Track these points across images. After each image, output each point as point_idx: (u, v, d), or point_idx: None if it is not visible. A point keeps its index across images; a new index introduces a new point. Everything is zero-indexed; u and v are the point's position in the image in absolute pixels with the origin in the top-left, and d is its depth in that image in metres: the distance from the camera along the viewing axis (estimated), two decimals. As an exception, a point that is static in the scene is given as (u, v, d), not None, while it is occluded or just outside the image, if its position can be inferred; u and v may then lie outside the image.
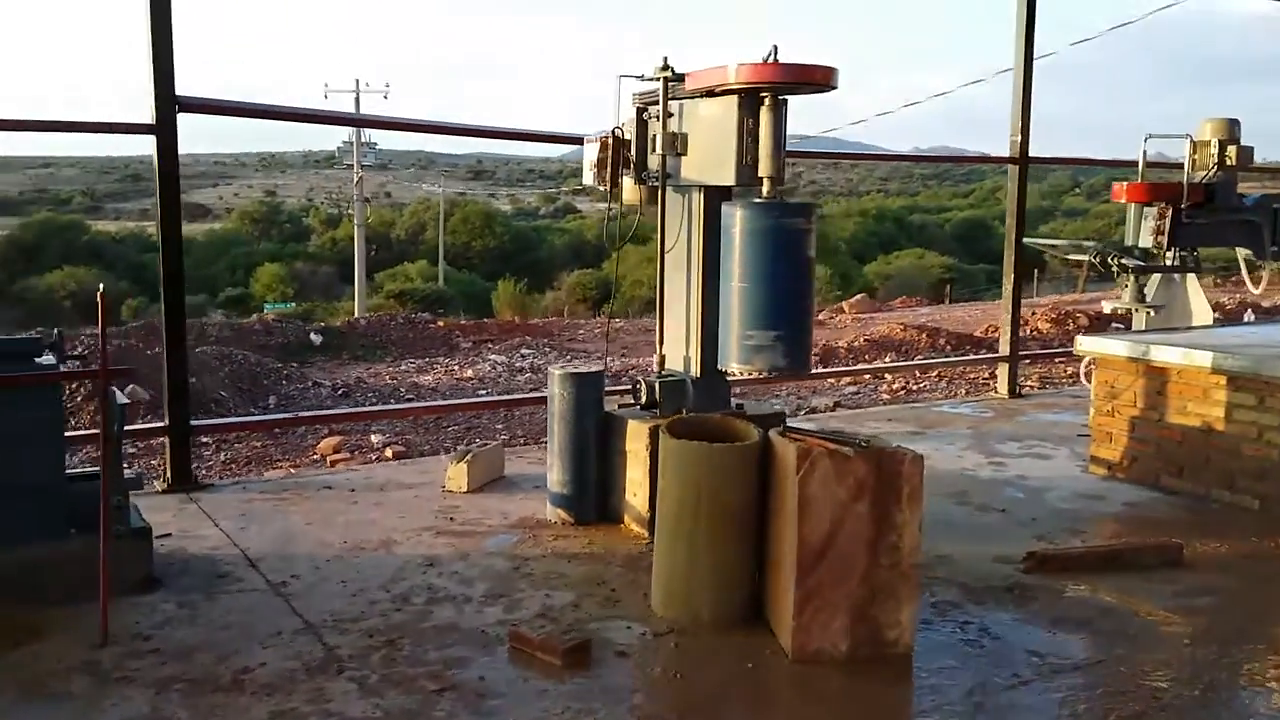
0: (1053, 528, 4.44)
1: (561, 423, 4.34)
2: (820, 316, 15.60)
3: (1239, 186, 5.87)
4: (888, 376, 9.00)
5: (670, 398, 4.28)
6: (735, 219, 3.97)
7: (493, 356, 10.18)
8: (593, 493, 4.33)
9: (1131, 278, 5.45)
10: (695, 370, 4.35)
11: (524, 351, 10.55)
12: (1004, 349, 7.12)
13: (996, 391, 7.25)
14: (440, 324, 13.63)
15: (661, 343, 4.45)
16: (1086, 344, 5.29)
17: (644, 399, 4.31)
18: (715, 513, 3.35)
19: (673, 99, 4.25)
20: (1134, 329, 6.15)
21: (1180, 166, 5.71)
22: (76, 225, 52.20)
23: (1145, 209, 5.36)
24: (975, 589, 3.74)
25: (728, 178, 4.05)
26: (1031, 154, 6.90)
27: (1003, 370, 7.17)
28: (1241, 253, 5.88)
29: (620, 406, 4.38)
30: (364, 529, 4.17)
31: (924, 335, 10.82)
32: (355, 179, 32.38)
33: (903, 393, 8.42)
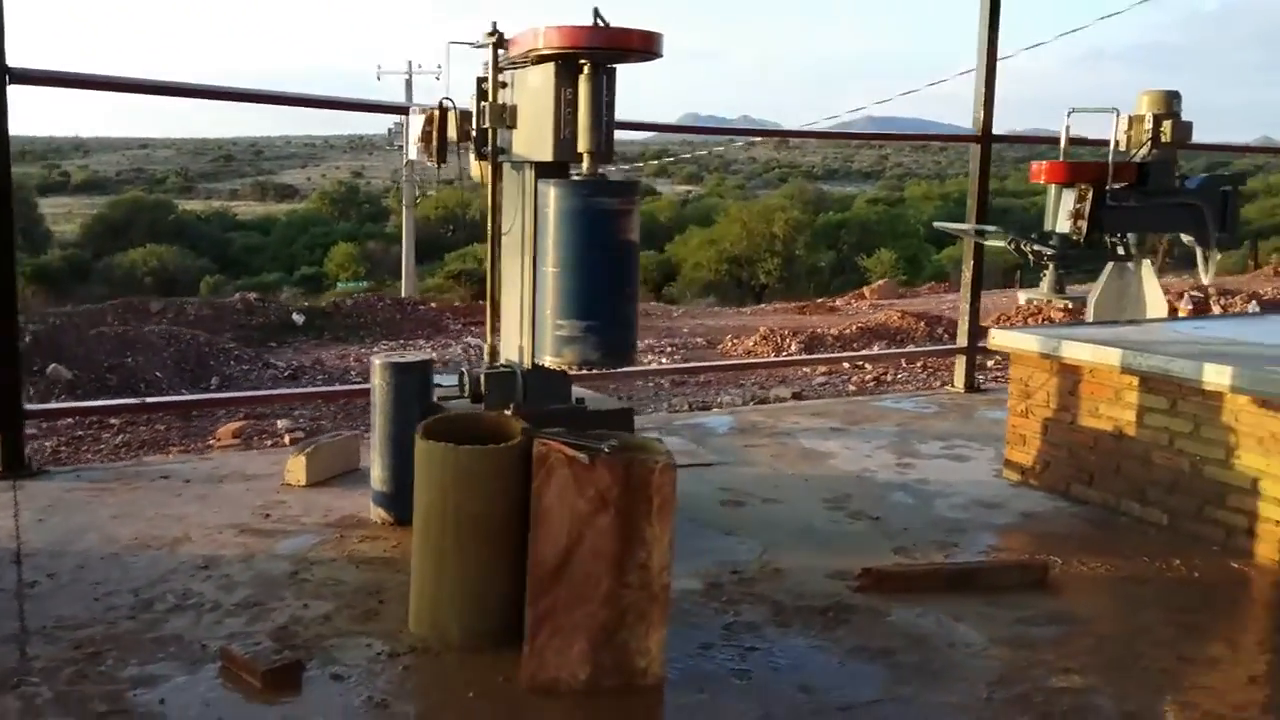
0: (922, 540, 4.01)
1: (382, 415, 4.06)
2: (837, 302, 15.07)
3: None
4: (868, 366, 8.52)
5: (497, 391, 3.97)
6: (549, 198, 3.63)
7: (471, 339, 9.95)
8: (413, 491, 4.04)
9: (1050, 266, 4.93)
10: (528, 361, 4.03)
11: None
12: (960, 340, 6.63)
13: (953, 385, 6.75)
14: (433, 305, 13.46)
15: (493, 331, 4.14)
16: (1000, 338, 4.81)
17: (469, 392, 4.01)
18: (464, 523, 3.04)
19: (508, 67, 3.92)
20: (1089, 320, 5.62)
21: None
22: (164, 204, 53.69)
23: (1064, 191, 4.83)
24: (788, 609, 3.37)
25: (546, 152, 3.72)
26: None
27: (959, 363, 6.67)
28: (1186, 239, 5.30)
29: (440, 399, 4.08)
30: (166, 524, 3.96)
31: (921, 324, 10.27)
32: (404, 160, 32.47)
33: (872, 383, 7.95)
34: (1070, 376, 4.55)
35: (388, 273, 41.92)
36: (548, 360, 3.70)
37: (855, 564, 3.66)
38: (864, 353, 8.68)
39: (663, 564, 2.84)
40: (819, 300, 15.57)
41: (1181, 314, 8.57)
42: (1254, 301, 11.18)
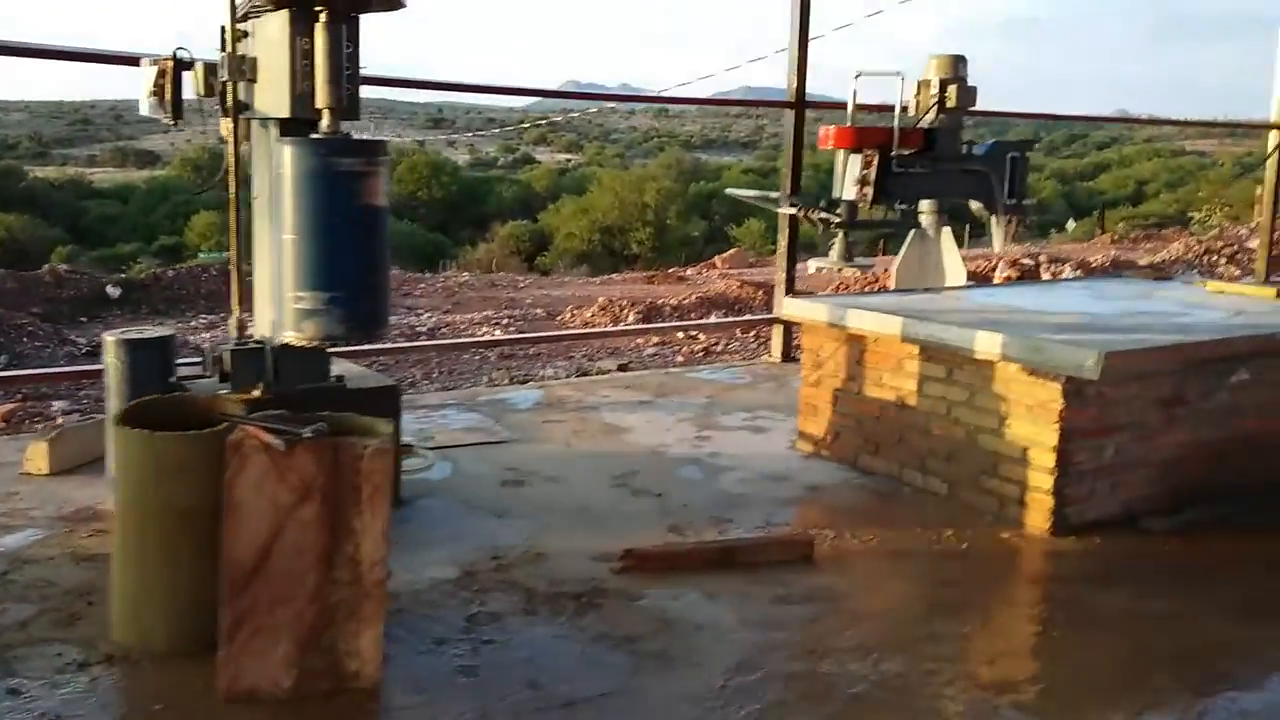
0: (700, 516, 3.90)
1: (117, 398, 3.72)
2: (687, 272, 15.04)
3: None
4: (701, 337, 8.44)
5: (244, 370, 3.68)
6: (284, 159, 3.35)
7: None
8: (156, 479, 3.73)
9: (839, 234, 4.88)
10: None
11: (335, 307, 9.92)
12: (777, 309, 6.57)
13: (770, 355, 6.71)
14: None
15: (240, 304, 3.84)
16: (791, 307, 4.74)
17: (214, 371, 3.72)
18: (166, 516, 2.77)
19: (251, 14, 3.60)
20: (893, 288, 5.61)
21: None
22: (13, 170, 50.57)
23: (851, 156, 4.77)
24: (540, 596, 3.21)
25: (284, 108, 3.43)
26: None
27: (776, 333, 6.63)
28: (974, 206, 5.33)
29: (181, 380, 3.77)
30: None
31: (760, 293, 10.27)
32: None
33: (702, 354, 7.87)
34: (857, 346, 4.50)
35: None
36: (289, 336, 3.44)
37: (626, 544, 3.52)
38: (674, 324, 8.56)
39: (375, 557, 2.64)
40: (669, 270, 15.51)
41: (997, 281, 8.74)
42: (1068, 268, 11.49)
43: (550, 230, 41.63)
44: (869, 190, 4.66)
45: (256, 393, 3.62)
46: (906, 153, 4.89)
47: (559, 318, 9.93)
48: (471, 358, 7.65)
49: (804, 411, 4.79)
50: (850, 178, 4.75)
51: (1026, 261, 11.85)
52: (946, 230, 5.45)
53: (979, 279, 10.94)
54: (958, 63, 5.02)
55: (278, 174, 3.37)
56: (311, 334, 3.39)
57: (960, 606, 3.26)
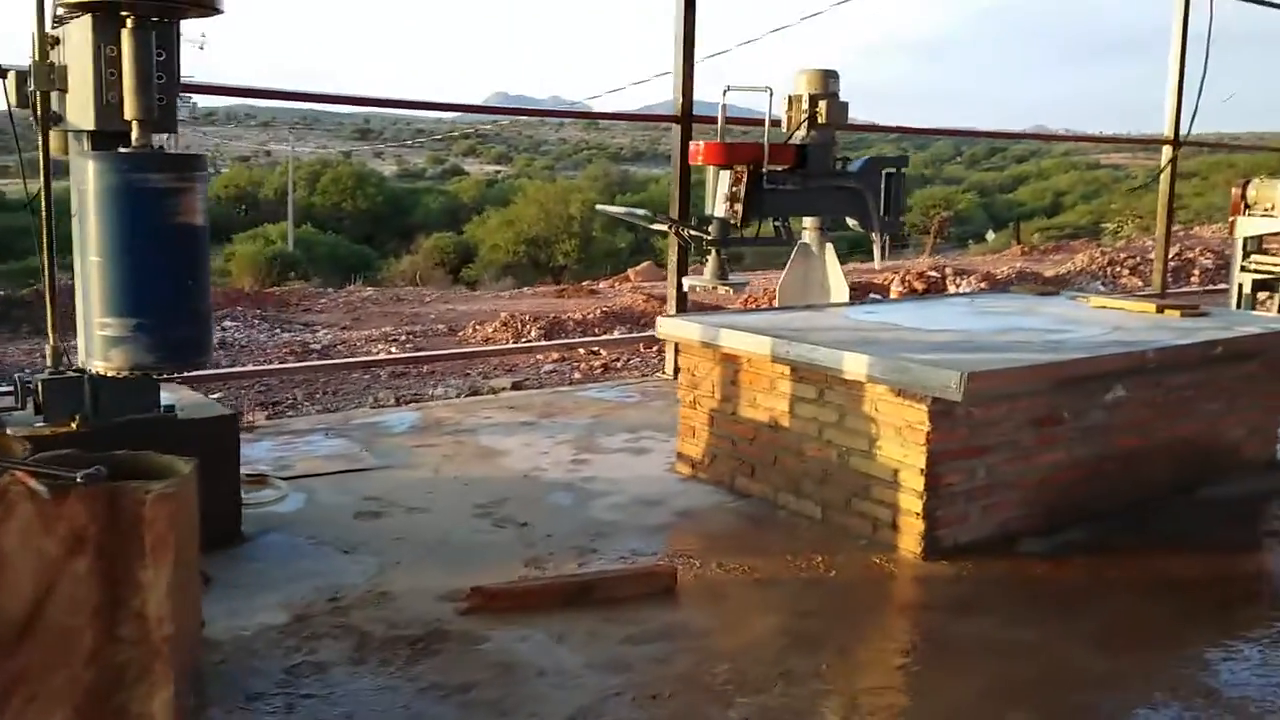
0: (562, 547, 3.72)
1: (-81, 434, 3.43)
2: (600, 285, 14.87)
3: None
4: (602, 352, 8.27)
5: (59, 400, 3.40)
6: (88, 174, 3.11)
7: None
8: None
9: (712, 252, 4.74)
10: (103, 365, 3.47)
11: (226, 324, 9.56)
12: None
13: (664, 372, 6.56)
14: None
15: (54, 330, 3.56)
16: (665, 326, 4.58)
17: (27, 402, 3.44)
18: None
19: (66, 18, 3.34)
20: (777, 305, 5.49)
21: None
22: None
23: (721, 173, 4.65)
24: (374, 642, 2.99)
25: (88, 119, 3.18)
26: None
27: (669, 349, 6.47)
28: (851, 223, 5.24)
29: (-11, 413, 3.48)
30: None
31: (665, 307, 10.12)
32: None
33: (601, 370, 7.70)
34: (731, 365, 4.36)
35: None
36: (97, 365, 3.18)
37: (478, 581, 3.32)
38: (560, 342, 8.34)
39: (163, 612, 2.40)
40: (584, 283, 15.33)
41: (894, 295, 8.72)
42: (968, 282, 11.52)
43: (475, 242, 41.27)
44: (739, 207, 4.53)
45: (73, 425, 3.35)
46: (778, 169, 4.76)
47: (460, 333, 9.68)
48: (360, 377, 7.37)
49: (682, 433, 4.64)
50: (721, 194, 4.61)
51: (933, 274, 11.90)
52: (830, 246, 5.35)
53: (881, 292, 10.96)
54: (828, 78, 4.92)
55: (81, 190, 3.12)
56: (119, 364, 3.14)
57: (821, 640, 3.11)
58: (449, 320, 10.64)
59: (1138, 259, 13.85)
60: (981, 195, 57.31)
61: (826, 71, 4.93)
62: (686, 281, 4.95)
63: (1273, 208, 6.80)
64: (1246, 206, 6.99)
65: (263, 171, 57.64)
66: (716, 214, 4.65)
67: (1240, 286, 6.85)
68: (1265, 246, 7.07)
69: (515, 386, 7.17)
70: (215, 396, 6.84)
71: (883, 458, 3.82)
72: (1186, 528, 4.15)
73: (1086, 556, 3.81)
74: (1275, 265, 6.82)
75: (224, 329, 9.47)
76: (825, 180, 4.96)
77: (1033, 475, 3.98)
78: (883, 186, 5.05)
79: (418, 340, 9.30)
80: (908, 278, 11.49)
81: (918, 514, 3.71)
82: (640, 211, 5.21)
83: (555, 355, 8.00)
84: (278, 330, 9.59)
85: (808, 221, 5.38)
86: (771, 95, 4.74)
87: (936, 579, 3.59)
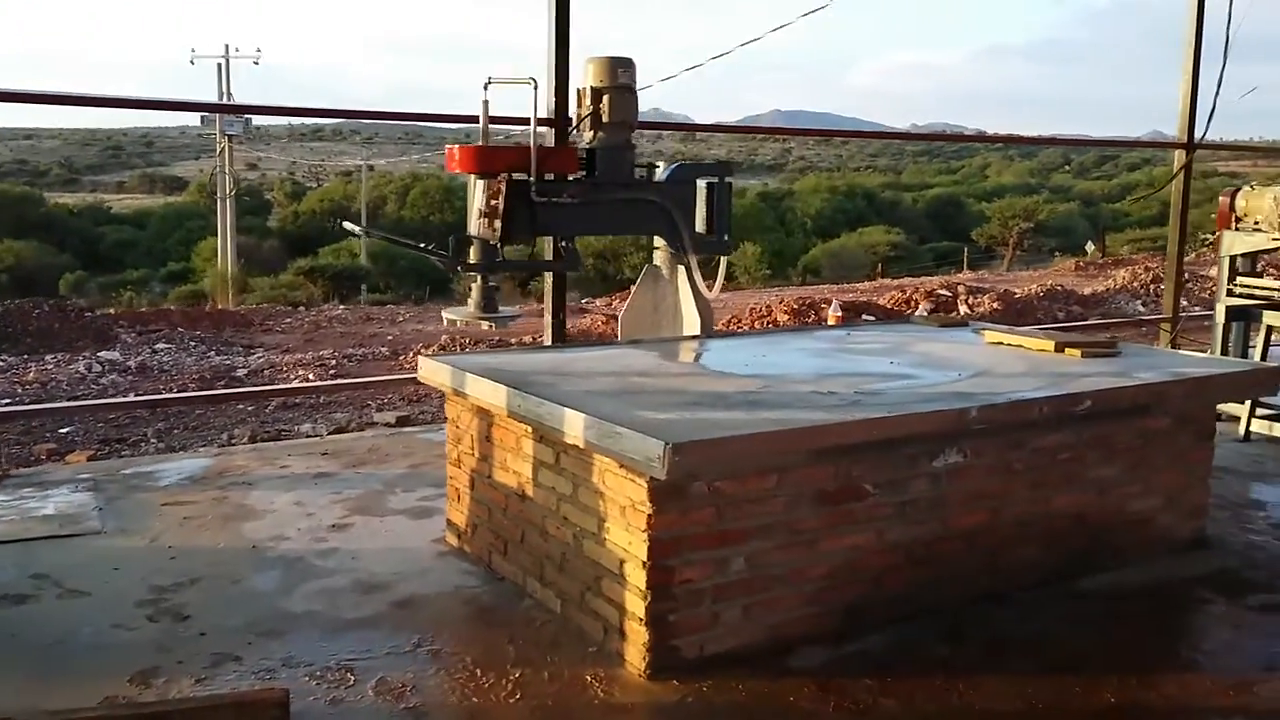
0: (203, 652, 3.00)
1: None
2: (597, 303, 14.10)
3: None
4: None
5: None
6: None
7: (106, 354, 8.65)
8: None
9: (477, 279, 3.96)
10: None
11: (160, 346, 9.15)
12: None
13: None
14: (111, 311, 12.15)
15: None
16: (426, 368, 3.84)
17: None
18: None
19: None
20: (620, 339, 4.69)
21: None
22: (32, 197, 51.22)
23: (479, 182, 3.87)
24: None
25: None
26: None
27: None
28: (658, 243, 4.41)
29: None
30: None
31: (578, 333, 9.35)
32: (218, 149, 30.83)
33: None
34: (485, 419, 3.61)
35: (260, 267, 40.13)
36: None
37: (66, 700, 2.65)
38: (328, 383, 7.34)
39: None
40: (577, 302, 14.61)
41: (831, 320, 7.78)
42: (865, 315, 10.15)
43: (508, 256, 41.04)
44: (498, 224, 3.76)
45: None
46: (553, 178, 3.97)
47: (402, 358, 9.08)
48: (239, 409, 6.80)
49: (449, 496, 3.90)
50: (476, 209, 3.86)
51: (944, 293, 10.84)
52: (683, 270, 4.53)
53: (879, 312, 9.97)
54: (617, 67, 4.09)
55: None
56: None
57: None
58: (405, 342, 10.06)
59: (1186, 276, 12.48)
60: (1087, 205, 54.93)
61: (616, 59, 4.11)
62: (445, 314, 4.20)
63: (1264, 220, 5.71)
64: (1237, 219, 5.90)
65: (357, 186, 58.67)
66: (472, 232, 3.89)
67: (1228, 312, 5.75)
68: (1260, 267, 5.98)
69: (401, 421, 6.51)
70: (65, 430, 6.37)
71: (611, 544, 3.02)
72: (1045, 632, 3.23)
73: (876, 674, 2.93)
74: (1269, 289, 5.71)
75: (155, 351, 9.05)
76: (619, 192, 4.15)
77: (820, 566, 3.13)
78: (703, 199, 4.22)
79: (351, 365, 8.73)
80: (914, 297, 10.49)
81: (641, 619, 2.90)
82: (359, 229, 4.48)
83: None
84: (212, 353, 9.15)
85: (659, 241, 4.58)
86: (536, 89, 3.95)
87: (652, 710, 2.77)
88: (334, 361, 8.68)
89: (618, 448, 2.83)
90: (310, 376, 8.09)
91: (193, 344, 9.56)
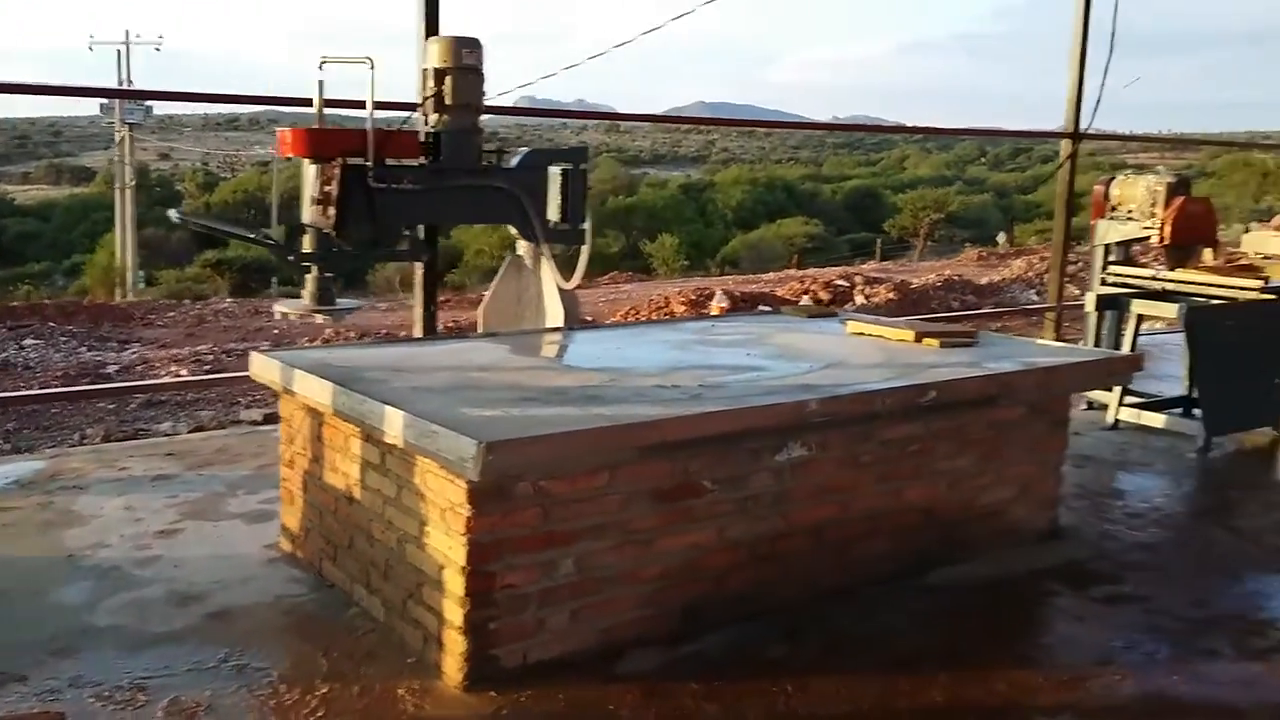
0: (-11, 672, 2.78)
1: None
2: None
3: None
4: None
5: None
6: None
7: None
8: None
9: (312, 270, 3.78)
10: None
11: (28, 341, 8.74)
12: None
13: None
14: None
15: None
16: (258, 363, 3.63)
17: None
18: None
19: None
20: (480, 331, 4.53)
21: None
22: (-77, 191, 49.05)
23: (311, 169, 3.68)
24: None
25: None
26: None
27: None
28: (513, 232, 4.27)
29: None
30: None
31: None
32: (117, 138, 29.83)
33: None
34: (316, 417, 3.42)
35: (166, 260, 38.89)
36: None
37: None
38: (153, 383, 7.09)
39: None
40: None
41: (714, 311, 7.70)
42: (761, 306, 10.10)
43: (461, 246, 40.73)
44: (332, 212, 3.58)
45: None
46: (396, 164, 3.79)
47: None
48: (100, 407, 6.47)
49: (283, 498, 3.70)
50: (310, 196, 3.67)
51: (841, 283, 10.86)
52: (548, 261, 4.38)
53: (782, 302, 9.94)
54: (461, 47, 3.93)
55: None
56: None
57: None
58: (293, 336, 9.74)
59: (1080, 264, 12.72)
60: (1000, 197, 56.04)
61: (460, 39, 3.93)
62: (277, 308, 4.00)
63: (1137, 210, 5.76)
64: (1111, 208, 5.95)
65: (264, 176, 57.13)
66: (305, 220, 3.70)
67: (1099, 301, 5.79)
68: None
69: (267, 419, 6.25)
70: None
71: (431, 549, 2.86)
72: (886, 628, 3.16)
73: (706, 677, 2.82)
74: (1139, 277, 5.76)
75: (22, 347, 8.62)
76: (465, 178, 3.98)
77: (655, 566, 3.01)
78: (557, 187, 4.08)
79: (230, 360, 8.40)
80: (813, 287, 10.49)
81: (459, 628, 2.75)
82: (203, 222, 4.25)
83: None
84: (83, 349, 8.74)
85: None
86: (373, 68, 3.76)
87: (472, 721, 2.63)
88: (211, 357, 8.34)
89: (434, 447, 2.67)
90: (183, 372, 7.75)
91: (64, 339, 9.14)
